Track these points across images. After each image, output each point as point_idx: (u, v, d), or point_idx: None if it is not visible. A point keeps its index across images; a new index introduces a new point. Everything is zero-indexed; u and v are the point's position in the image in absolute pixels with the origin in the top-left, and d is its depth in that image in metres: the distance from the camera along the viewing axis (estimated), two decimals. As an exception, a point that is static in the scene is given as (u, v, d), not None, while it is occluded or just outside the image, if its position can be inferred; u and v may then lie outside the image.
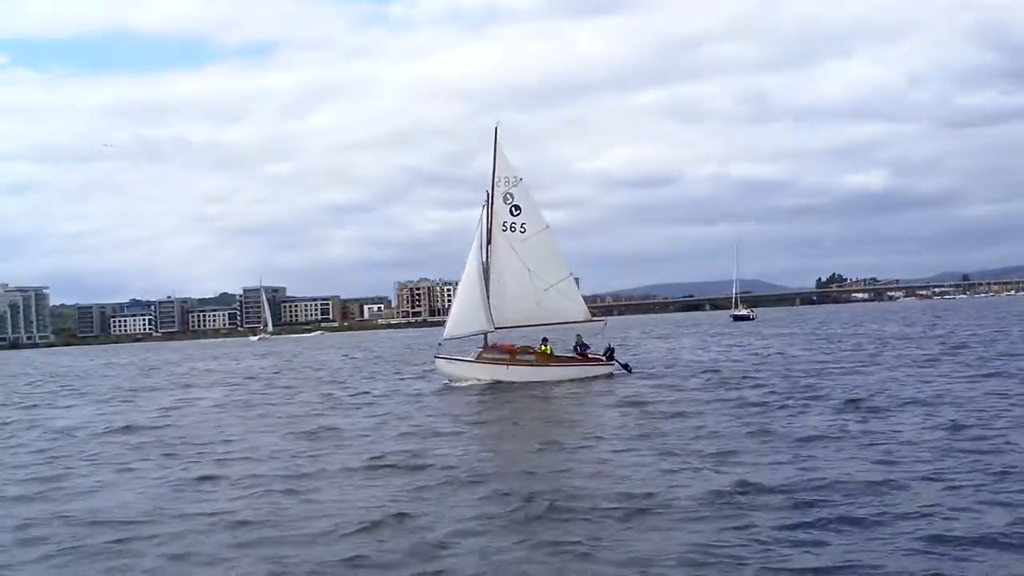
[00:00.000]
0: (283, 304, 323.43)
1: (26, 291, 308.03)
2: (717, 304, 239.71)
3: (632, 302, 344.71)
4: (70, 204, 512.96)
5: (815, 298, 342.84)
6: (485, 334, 38.91)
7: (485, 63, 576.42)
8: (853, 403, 24.91)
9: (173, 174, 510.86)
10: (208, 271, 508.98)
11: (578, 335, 40.08)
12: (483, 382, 37.11)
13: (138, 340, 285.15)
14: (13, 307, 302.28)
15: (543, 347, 38.87)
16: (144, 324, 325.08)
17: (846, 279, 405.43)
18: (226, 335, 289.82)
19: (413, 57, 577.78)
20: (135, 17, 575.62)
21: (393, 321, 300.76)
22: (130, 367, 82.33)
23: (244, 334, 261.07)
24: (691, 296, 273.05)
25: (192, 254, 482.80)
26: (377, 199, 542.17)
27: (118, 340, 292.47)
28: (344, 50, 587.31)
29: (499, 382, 36.89)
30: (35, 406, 40.27)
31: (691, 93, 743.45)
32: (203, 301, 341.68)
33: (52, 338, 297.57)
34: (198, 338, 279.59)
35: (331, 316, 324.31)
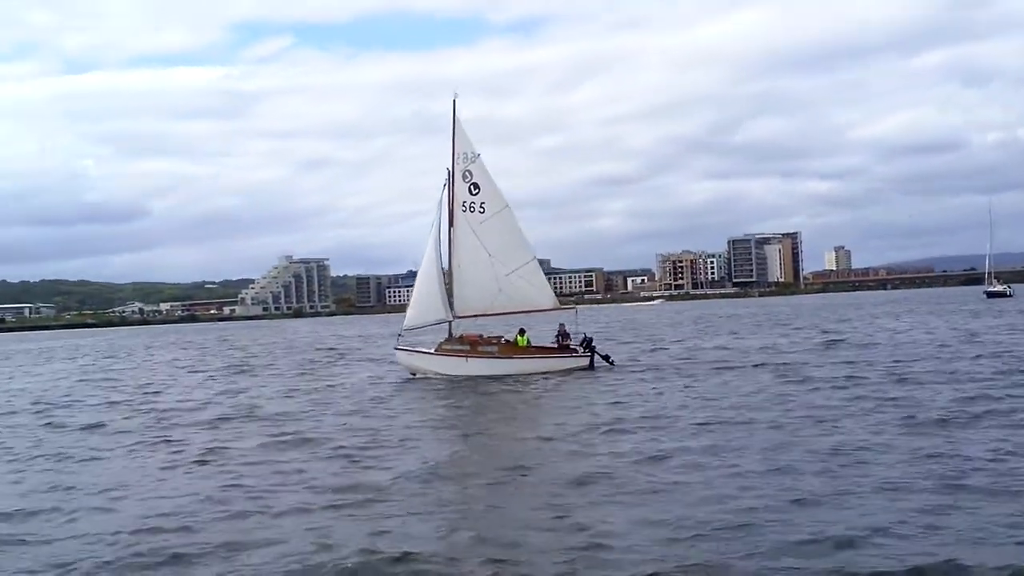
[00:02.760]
0: (548, 276, 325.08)
1: (309, 263, 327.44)
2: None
3: (907, 275, 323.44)
4: (354, 179, 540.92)
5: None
6: (449, 323, 36.17)
7: (754, 28, 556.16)
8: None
9: (448, 148, 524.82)
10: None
11: (561, 324, 36.80)
12: (442, 376, 34.48)
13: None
14: (297, 278, 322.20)
15: (519, 338, 35.68)
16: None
17: None
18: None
19: (680, 25, 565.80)
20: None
21: (655, 294, 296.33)
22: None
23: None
24: (973, 269, 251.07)
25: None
26: (645, 170, 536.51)
27: (393, 310, 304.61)
28: (610, 22, 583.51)
29: (459, 376, 34.12)
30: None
31: (976, 52, 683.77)
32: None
33: (333, 307, 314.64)
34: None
35: (595, 288, 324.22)
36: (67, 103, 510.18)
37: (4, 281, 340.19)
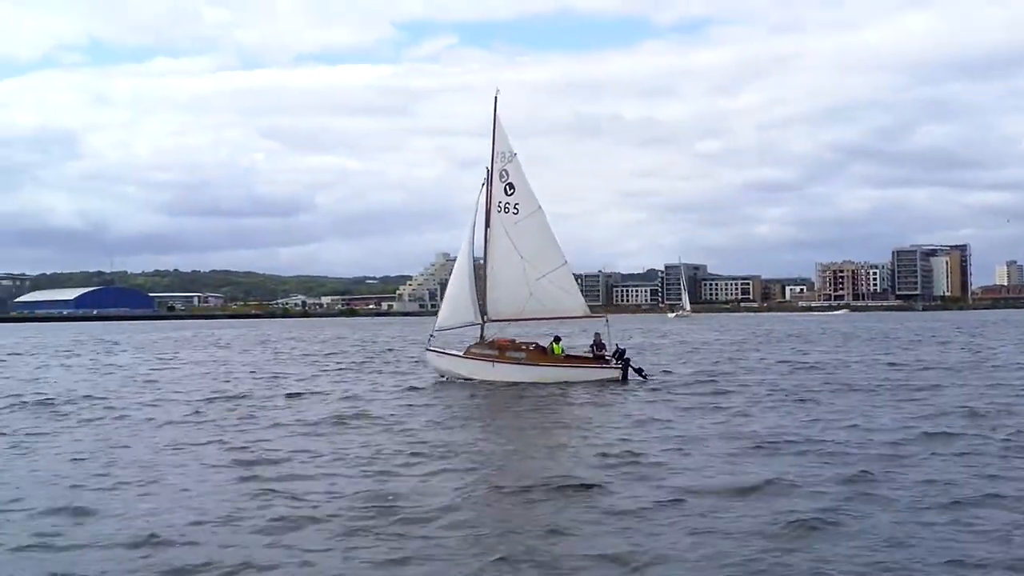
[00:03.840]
0: (703, 282, 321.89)
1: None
2: None
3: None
4: None
5: None
6: (481, 326, 35.28)
7: (923, 31, 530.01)
8: None
9: (607, 150, 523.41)
10: (636, 247, 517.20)
11: (597, 334, 35.46)
12: (470, 379, 33.67)
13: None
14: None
15: (555, 346, 34.48)
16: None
17: None
18: (647, 311, 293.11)
19: (845, 28, 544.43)
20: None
21: (814, 304, 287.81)
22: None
23: (664, 311, 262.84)
24: None
25: (622, 229, 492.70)
26: (805, 177, 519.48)
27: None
28: (774, 24, 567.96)
29: (485, 380, 33.26)
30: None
31: None
32: (627, 276, 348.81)
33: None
34: (620, 312, 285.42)
35: (751, 296, 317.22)
36: (239, 98, 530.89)
37: (177, 270, 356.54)
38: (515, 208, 34.74)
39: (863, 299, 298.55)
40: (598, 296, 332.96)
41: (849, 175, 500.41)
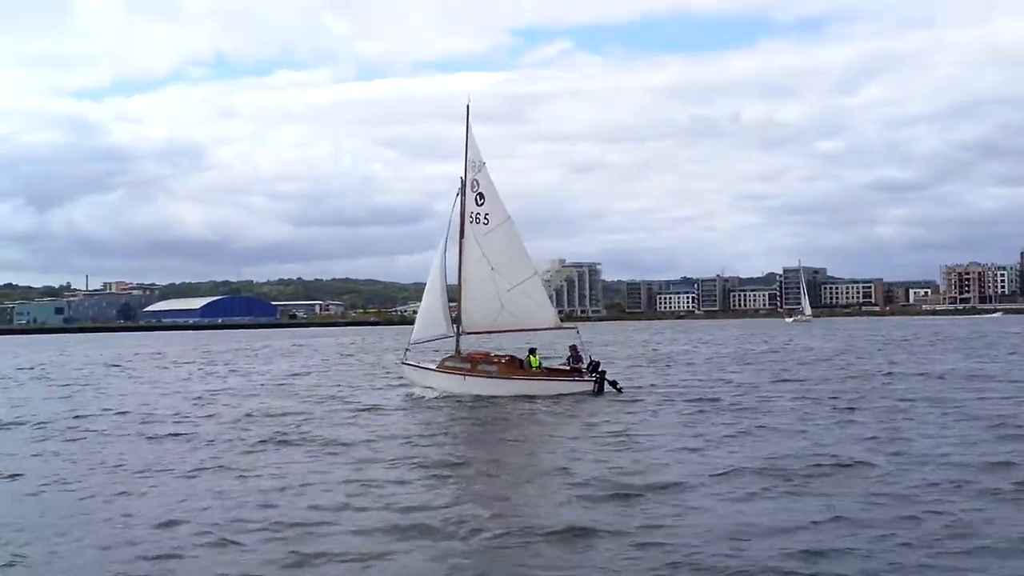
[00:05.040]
0: (823, 286, 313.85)
1: (581, 267, 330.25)
2: None
3: None
4: (628, 183, 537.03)
5: None
6: (457, 339, 34.79)
7: None
8: None
9: (725, 152, 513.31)
10: (755, 250, 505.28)
11: (572, 345, 34.57)
12: (442, 393, 33.23)
13: (680, 317, 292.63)
14: (569, 282, 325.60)
15: (531, 358, 33.78)
16: (687, 301, 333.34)
17: None
18: (765, 315, 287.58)
19: (974, 21, 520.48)
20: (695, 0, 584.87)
21: (938, 307, 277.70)
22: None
23: (783, 315, 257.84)
24: None
25: (740, 232, 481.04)
26: (930, 176, 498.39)
27: (662, 316, 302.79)
28: (899, 19, 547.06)
29: (457, 394, 32.78)
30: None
31: None
32: (744, 280, 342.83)
33: (603, 312, 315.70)
34: (737, 317, 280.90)
35: (873, 300, 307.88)
36: (359, 109, 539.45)
37: (300, 279, 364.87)
38: (485, 218, 34.18)
39: (990, 301, 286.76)
40: (715, 301, 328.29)
41: (977, 174, 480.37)
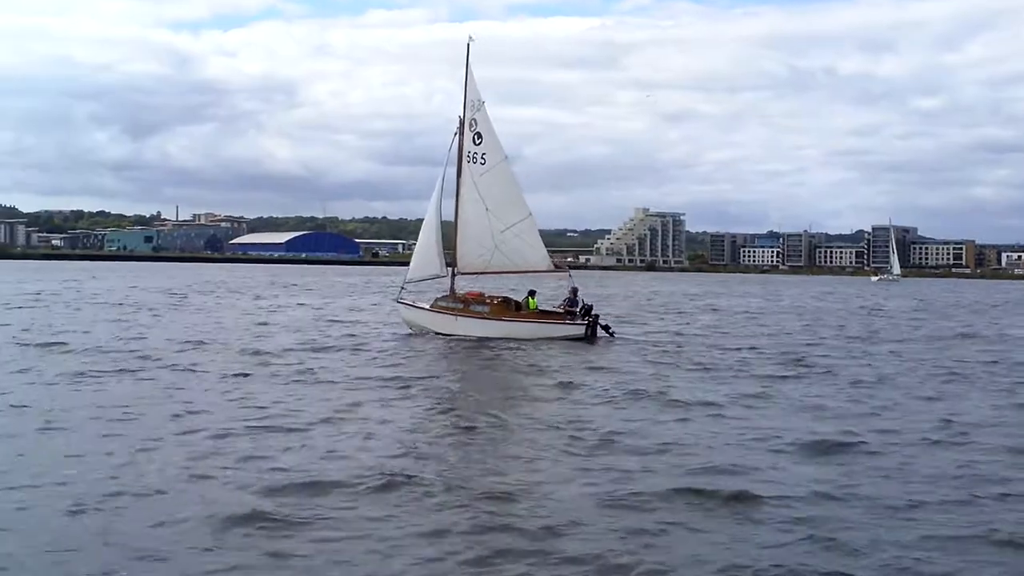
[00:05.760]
0: (912, 245, 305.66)
1: (665, 216, 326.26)
2: None
3: None
4: (719, 134, 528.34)
5: None
6: (452, 279, 34.68)
7: None
8: None
9: (820, 106, 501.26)
10: (844, 206, 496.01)
11: (573, 288, 34.23)
12: (435, 331, 33.27)
13: (764, 271, 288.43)
14: (652, 231, 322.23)
15: (530, 300, 33.65)
16: (772, 256, 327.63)
17: None
18: (852, 273, 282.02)
19: None
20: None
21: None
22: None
23: (869, 274, 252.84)
24: None
25: (831, 188, 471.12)
26: None
27: (746, 270, 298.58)
28: None
29: (447, 334, 32.80)
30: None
31: None
32: (831, 237, 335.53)
33: (686, 263, 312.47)
34: (823, 274, 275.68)
35: (963, 262, 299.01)
36: (450, 49, 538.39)
37: (385, 218, 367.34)
38: (482, 158, 33.91)
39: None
40: (800, 256, 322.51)
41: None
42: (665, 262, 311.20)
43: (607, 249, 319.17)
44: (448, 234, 35.17)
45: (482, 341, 31.31)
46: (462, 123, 34.15)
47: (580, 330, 32.62)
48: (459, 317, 33.18)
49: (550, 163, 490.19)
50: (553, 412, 18.01)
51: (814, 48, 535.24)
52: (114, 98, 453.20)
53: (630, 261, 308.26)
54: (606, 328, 33.23)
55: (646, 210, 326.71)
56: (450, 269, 34.64)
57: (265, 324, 38.83)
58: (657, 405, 19.08)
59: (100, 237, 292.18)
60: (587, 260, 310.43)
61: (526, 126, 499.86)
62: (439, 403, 19.10)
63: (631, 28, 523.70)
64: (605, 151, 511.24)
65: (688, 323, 45.18)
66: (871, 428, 16.68)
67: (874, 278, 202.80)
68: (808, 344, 34.31)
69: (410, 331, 34.42)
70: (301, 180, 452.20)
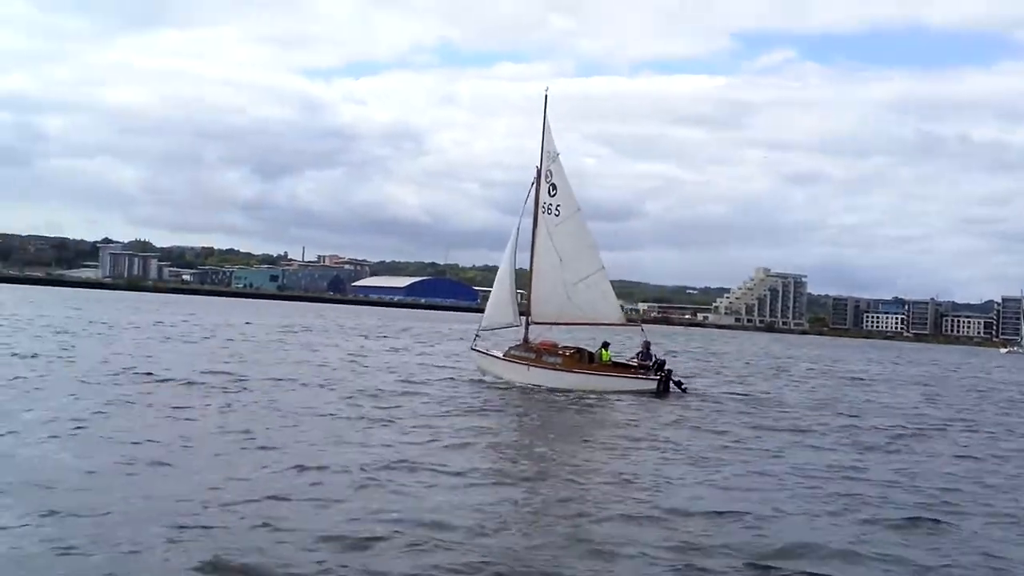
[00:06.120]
0: None
1: (786, 278, 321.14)
2: None
3: None
4: (845, 197, 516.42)
5: None
6: (525, 328, 34.90)
7: None
8: None
9: (950, 173, 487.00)
10: (973, 275, 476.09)
11: (646, 342, 34.16)
12: (507, 381, 33.50)
13: (888, 338, 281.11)
14: (773, 292, 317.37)
15: (603, 352, 33.69)
16: (896, 322, 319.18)
17: None
18: (979, 343, 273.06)
19: None
20: (929, 13, 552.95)
21: None
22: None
23: (997, 345, 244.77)
24: None
25: (960, 257, 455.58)
26: None
27: (869, 335, 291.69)
28: None
29: (519, 383, 32.98)
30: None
31: None
32: (959, 306, 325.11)
33: (806, 326, 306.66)
34: (949, 343, 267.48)
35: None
36: (575, 104, 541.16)
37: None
38: (556, 209, 34.20)
39: None
40: (926, 324, 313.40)
41: None
42: (785, 323, 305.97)
43: (726, 308, 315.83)
44: (523, 284, 35.46)
45: (551, 391, 31.38)
46: (539, 173, 34.48)
47: (652, 384, 32.44)
48: (531, 367, 33.30)
49: (671, 219, 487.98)
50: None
51: (946, 114, 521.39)
52: (245, 140, 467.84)
53: (748, 321, 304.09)
54: (678, 384, 33.06)
55: (767, 270, 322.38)
56: (524, 319, 34.82)
57: (354, 362, 39.69)
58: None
59: (228, 274, 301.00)
60: (705, 318, 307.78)
61: (648, 181, 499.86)
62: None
63: (757, 88, 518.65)
64: (726, 210, 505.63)
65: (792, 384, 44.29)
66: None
67: (1003, 350, 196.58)
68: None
69: (483, 378, 34.67)
70: (424, 226, 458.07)
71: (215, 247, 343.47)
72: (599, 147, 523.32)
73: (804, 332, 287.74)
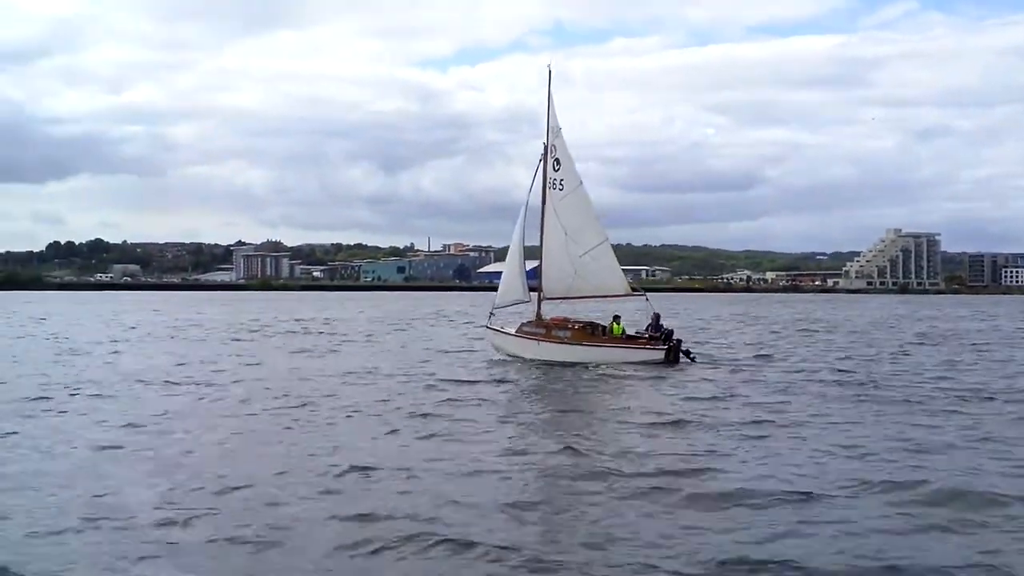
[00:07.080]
0: None
1: (919, 237, 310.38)
2: None
3: None
4: (974, 150, 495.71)
5: None
6: (538, 304, 35.14)
7: None
8: None
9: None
10: None
11: (655, 313, 34.17)
12: (519, 356, 33.97)
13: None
14: (905, 252, 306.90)
15: (615, 326, 33.85)
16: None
17: None
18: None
19: None
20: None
21: None
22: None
23: None
24: None
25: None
26: None
27: (1008, 291, 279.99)
28: None
29: (529, 358, 33.44)
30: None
31: None
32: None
33: (941, 285, 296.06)
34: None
35: None
36: (688, 75, 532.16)
37: (629, 244, 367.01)
38: (560, 184, 34.31)
39: None
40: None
41: None
42: (919, 284, 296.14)
43: (857, 272, 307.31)
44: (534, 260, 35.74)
45: (561, 365, 31.62)
46: (546, 149, 34.53)
47: (659, 355, 32.46)
48: (541, 342, 33.55)
49: (794, 185, 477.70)
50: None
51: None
52: (366, 135, 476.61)
53: (881, 284, 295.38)
54: (687, 353, 32.99)
55: (898, 231, 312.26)
56: (535, 295, 35.02)
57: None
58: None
59: (356, 268, 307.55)
60: (835, 283, 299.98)
61: (767, 148, 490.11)
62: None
63: (877, 43, 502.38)
64: (851, 171, 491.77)
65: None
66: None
67: None
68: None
69: (497, 354, 35.06)
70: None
71: (343, 243, 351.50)
72: (716, 116, 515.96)
73: (940, 292, 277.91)
